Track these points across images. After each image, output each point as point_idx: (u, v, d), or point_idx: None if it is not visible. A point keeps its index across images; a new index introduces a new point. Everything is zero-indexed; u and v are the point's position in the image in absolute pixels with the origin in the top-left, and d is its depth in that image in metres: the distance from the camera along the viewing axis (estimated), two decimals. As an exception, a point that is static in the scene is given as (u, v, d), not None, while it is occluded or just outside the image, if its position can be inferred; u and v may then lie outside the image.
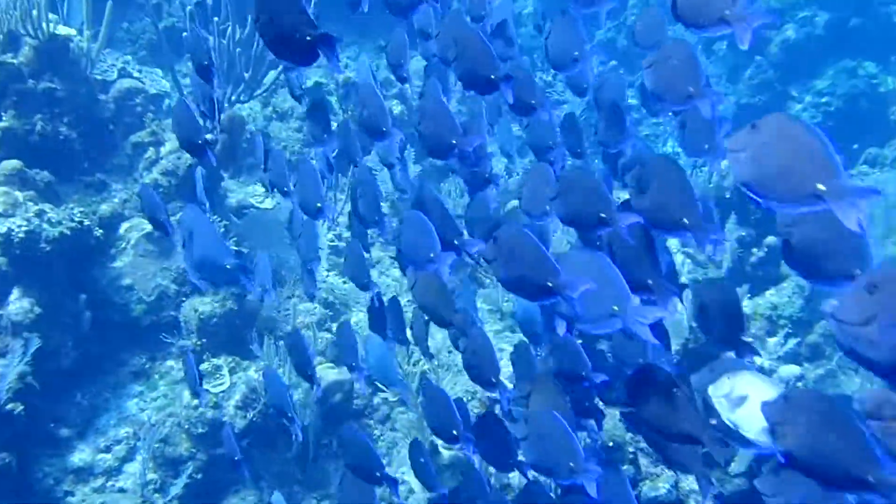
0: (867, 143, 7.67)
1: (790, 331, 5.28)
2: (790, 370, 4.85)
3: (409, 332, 3.76)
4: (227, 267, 2.78)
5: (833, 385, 5.15)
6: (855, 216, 1.69)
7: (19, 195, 4.77)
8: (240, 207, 5.91)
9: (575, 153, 3.48)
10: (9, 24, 5.00)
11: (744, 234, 5.44)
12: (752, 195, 1.88)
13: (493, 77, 2.71)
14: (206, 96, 3.55)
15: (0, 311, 4.59)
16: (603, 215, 2.31)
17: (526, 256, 2.25)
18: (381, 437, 4.96)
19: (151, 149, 5.53)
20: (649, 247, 2.36)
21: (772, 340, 5.25)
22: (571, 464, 2.40)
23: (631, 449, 4.19)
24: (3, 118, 5.03)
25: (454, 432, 2.87)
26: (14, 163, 4.87)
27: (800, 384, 4.73)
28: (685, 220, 2.09)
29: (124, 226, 5.30)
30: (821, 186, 1.73)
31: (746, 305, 5.30)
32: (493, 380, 2.81)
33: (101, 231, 5.13)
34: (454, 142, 2.80)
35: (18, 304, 4.62)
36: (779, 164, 1.80)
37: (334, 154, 3.69)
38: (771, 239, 5.53)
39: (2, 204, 4.67)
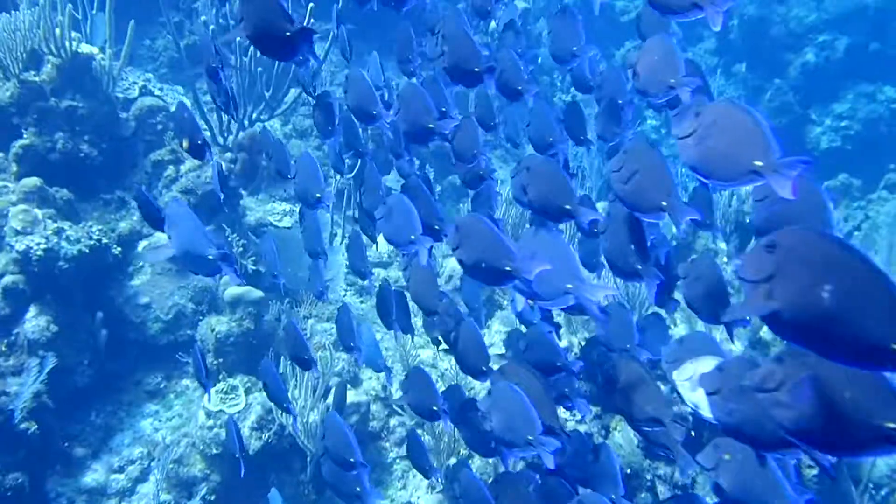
0: (886, 166, 7.63)
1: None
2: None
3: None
4: (210, 257, 2.88)
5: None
6: (789, 187, 1.85)
7: (39, 213, 4.77)
8: (258, 225, 5.89)
9: (578, 140, 3.54)
10: (32, 43, 5.01)
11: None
12: (699, 177, 2.02)
13: (476, 70, 2.87)
14: (221, 90, 3.58)
15: (17, 328, 4.58)
16: (567, 207, 2.50)
17: (484, 242, 2.38)
18: (397, 460, 4.92)
19: (171, 167, 5.53)
20: (639, 236, 2.47)
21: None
22: (529, 436, 2.49)
23: (648, 476, 4.14)
24: (25, 135, 5.04)
25: (434, 408, 3.01)
26: (34, 180, 4.88)
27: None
28: (663, 203, 2.20)
29: (143, 244, 5.30)
30: (758, 163, 1.87)
31: (765, 332, 5.23)
32: (483, 368, 2.91)
33: (119, 249, 5.14)
34: (431, 126, 2.95)
35: (35, 321, 4.62)
36: (720, 146, 1.94)
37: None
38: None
39: (21, 221, 4.67)
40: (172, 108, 5.96)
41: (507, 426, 2.56)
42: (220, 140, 5.73)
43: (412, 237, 2.86)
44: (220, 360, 4.99)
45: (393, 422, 5.01)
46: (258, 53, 5.85)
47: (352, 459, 3.00)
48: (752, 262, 1.65)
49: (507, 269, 2.33)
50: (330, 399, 4.68)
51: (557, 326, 3.37)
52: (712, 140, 1.97)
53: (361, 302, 5.89)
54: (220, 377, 4.95)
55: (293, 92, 6.14)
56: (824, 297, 1.49)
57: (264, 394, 4.86)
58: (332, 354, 5.10)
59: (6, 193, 4.85)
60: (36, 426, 4.41)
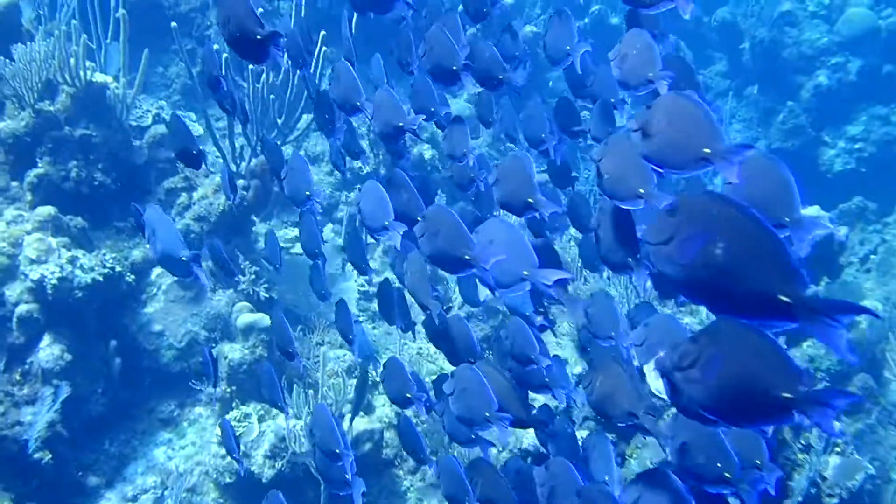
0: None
1: (828, 384, 5.16)
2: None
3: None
4: (183, 259, 3.15)
5: (873, 440, 5.02)
6: (735, 172, 1.95)
7: (53, 241, 4.79)
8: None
9: (572, 133, 3.60)
10: (47, 73, 5.05)
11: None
12: (653, 166, 2.12)
13: (454, 68, 3.01)
14: (226, 97, 3.65)
15: (31, 357, 4.59)
16: (530, 200, 2.68)
17: (446, 233, 2.53)
18: (411, 487, 4.88)
19: (184, 194, 5.55)
20: (629, 228, 2.54)
21: (810, 394, 5.12)
22: (487, 413, 2.65)
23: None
24: (39, 164, 5.07)
25: (408, 395, 3.14)
26: (48, 209, 4.90)
27: (839, 441, 4.61)
28: (640, 191, 2.27)
29: (156, 271, 5.31)
30: (706, 150, 1.96)
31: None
32: (472, 362, 2.98)
33: (132, 277, 5.15)
34: (400, 124, 3.12)
35: (49, 350, 4.62)
36: (671, 136, 2.03)
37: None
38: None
39: (35, 250, 4.69)
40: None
41: (466, 405, 2.72)
42: (233, 167, 5.74)
43: (385, 223, 2.98)
44: (234, 387, 4.98)
45: (407, 449, 4.98)
46: (269, 79, 5.89)
47: (337, 450, 3.09)
48: (654, 227, 1.75)
49: (466, 257, 2.48)
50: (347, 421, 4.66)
51: (551, 322, 3.44)
52: (664, 131, 2.05)
53: (374, 328, 5.87)
54: (234, 405, 4.94)
55: (305, 118, 6.16)
56: (717, 253, 1.60)
57: (277, 421, 4.89)
58: (346, 381, 5.08)
59: (21, 222, 4.88)
60: (50, 456, 4.41)
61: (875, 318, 1.55)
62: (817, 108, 8.34)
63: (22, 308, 4.62)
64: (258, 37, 2.57)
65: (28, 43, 5.04)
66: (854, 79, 8.34)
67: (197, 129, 6.50)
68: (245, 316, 5.12)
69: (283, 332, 3.75)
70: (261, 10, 2.64)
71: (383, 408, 5.04)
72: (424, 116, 3.24)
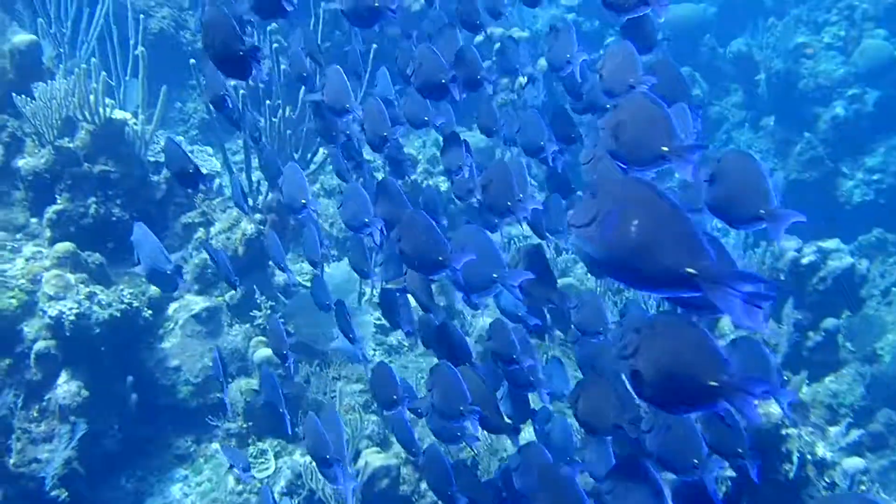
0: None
1: (851, 420, 5.10)
2: (854, 463, 4.66)
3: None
4: (168, 272, 3.53)
5: (898, 477, 4.96)
6: (689, 168, 2.09)
7: (71, 277, 4.80)
8: (287, 286, 5.89)
9: (569, 139, 3.72)
10: (67, 111, 5.09)
11: (800, 317, 5.29)
12: (618, 164, 2.24)
13: (443, 81, 3.17)
14: (234, 111, 3.85)
15: (48, 394, 4.59)
16: (508, 203, 2.90)
17: (421, 236, 2.66)
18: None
19: (202, 229, 5.57)
20: None
21: (833, 430, 5.06)
22: (461, 407, 2.79)
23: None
24: (59, 201, 5.10)
25: (394, 397, 3.23)
26: (67, 245, 4.92)
27: (864, 479, 4.54)
28: (663, 147, 2.30)
29: (173, 306, 5.32)
30: (664, 148, 2.09)
31: (805, 393, 5.14)
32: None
33: (149, 312, 5.15)
34: (385, 134, 3.38)
35: (66, 387, 4.62)
36: (633, 134, 2.16)
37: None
38: (828, 322, 5.38)
39: (54, 287, 4.70)
40: (203, 171, 6.03)
41: (443, 399, 2.86)
42: (250, 201, 5.76)
43: (366, 220, 3.21)
44: (250, 423, 4.96)
45: (423, 485, 4.93)
46: (286, 114, 5.93)
47: (327, 456, 3.18)
48: (579, 210, 1.86)
49: (440, 258, 2.61)
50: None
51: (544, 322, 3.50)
52: (628, 130, 2.18)
53: (391, 361, 5.84)
54: (250, 441, 4.91)
55: (322, 152, 6.19)
56: (632, 230, 1.71)
57: (293, 457, 4.87)
58: (363, 416, 5.05)
59: (40, 259, 4.90)
60: (66, 493, 4.39)
61: (770, 290, 1.64)
62: (835, 139, 8.32)
63: (40, 345, 4.63)
64: (240, 53, 2.71)
65: (48, 81, 5.09)
66: (871, 110, 8.32)
67: (214, 163, 6.55)
68: (262, 351, 5.12)
69: (278, 336, 3.87)
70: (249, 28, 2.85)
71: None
72: (405, 128, 3.50)
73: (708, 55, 9.49)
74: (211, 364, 5.16)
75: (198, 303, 5.34)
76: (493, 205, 3.01)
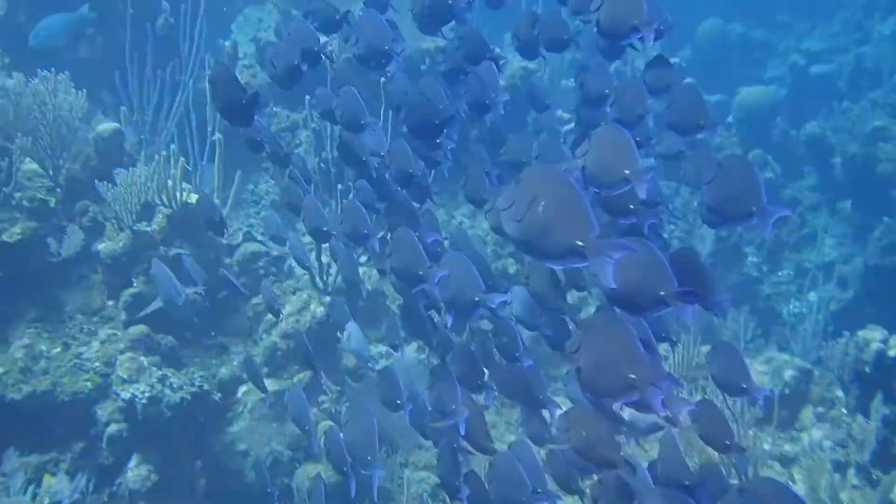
0: None
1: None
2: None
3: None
4: (180, 304, 4.30)
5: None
6: (644, 188, 2.33)
7: (144, 360, 4.86)
8: (356, 368, 5.87)
9: None
10: (146, 196, 5.22)
11: (888, 412, 5.05)
12: (588, 185, 2.45)
13: (437, 122, 3.26)
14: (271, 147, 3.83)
15: (119, 478, 4.61)
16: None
17: (407, 252, 2.91)
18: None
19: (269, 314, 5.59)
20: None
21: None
22: (454, 406, 2.97)
23: None
24: (135, 283, 5.19)
25: (398, 402, 3.36)
26: (141, 328, 5.00)
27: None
28: (626, 171, 2.41)
29: (242, 389, 5.33)
30: (627, 171, 2.33)
31: None
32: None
33: (219, 395, 5.17)
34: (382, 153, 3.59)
35: (136, 471, 4.64)
36: (601, 160, 2.40)
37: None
38: (919, 417, 5.13)
39: (127, 370, 4.76)
40: (274, 254, 6.11)
41: (437, 399, 3.04)
42: (320, 284, 5.79)
43: (365, 231, 3.44)
44: (316, 510, 4.90)
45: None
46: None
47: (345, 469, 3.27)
48: (504, 195, 2.09)
49: (420, 273, 2.86)
50: None
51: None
52: (596, 156, 2.41)
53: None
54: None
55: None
56: (539, 211, 1.97)
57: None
58: (429, 506, 4.97)
59: (114, 342, 4.97)
60: (132, 580, 4.38)
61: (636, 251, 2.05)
62: (915, 223, 8.08)
63: (112, 428, 4.67)
64: (243, 101, 2.94)
65: (130, 168, 5.23)
66: (952, 194, 8.10)
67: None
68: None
69: (305, 349, 4.10)
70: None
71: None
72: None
73: (780, 137, 9.38)
74: (278, 448, 5.14)
75: (267, 385, 5.34)
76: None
